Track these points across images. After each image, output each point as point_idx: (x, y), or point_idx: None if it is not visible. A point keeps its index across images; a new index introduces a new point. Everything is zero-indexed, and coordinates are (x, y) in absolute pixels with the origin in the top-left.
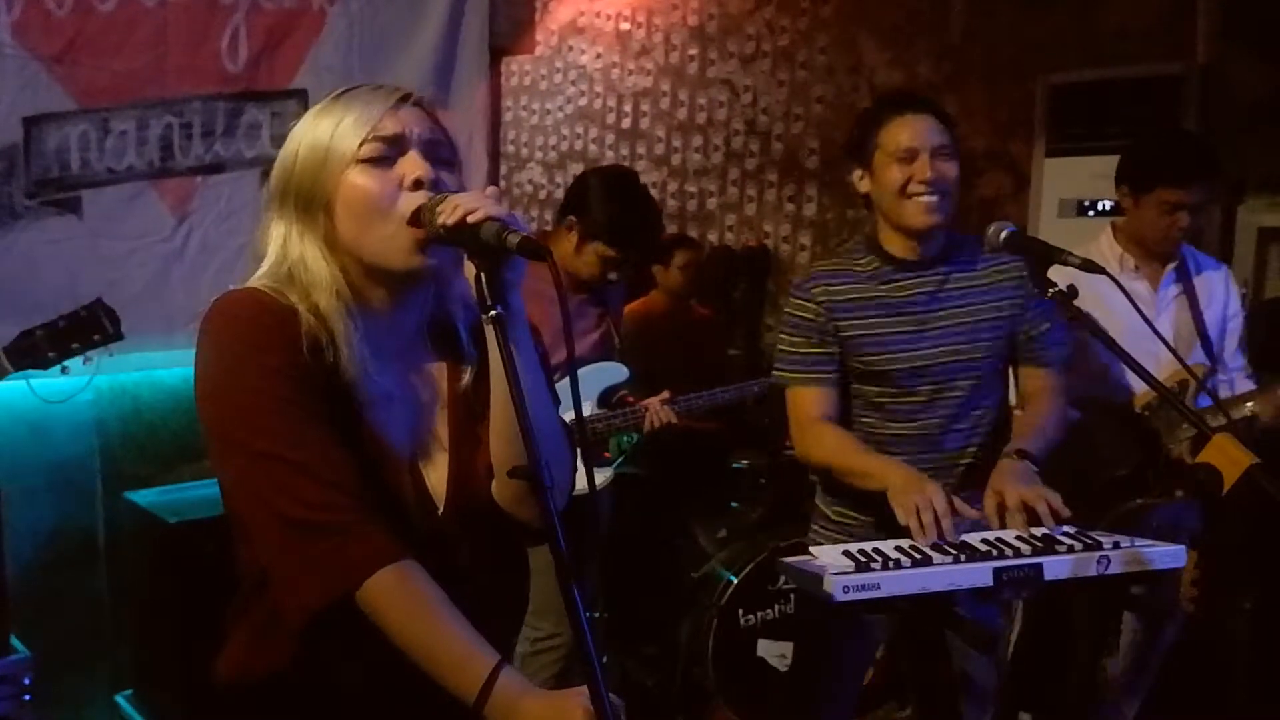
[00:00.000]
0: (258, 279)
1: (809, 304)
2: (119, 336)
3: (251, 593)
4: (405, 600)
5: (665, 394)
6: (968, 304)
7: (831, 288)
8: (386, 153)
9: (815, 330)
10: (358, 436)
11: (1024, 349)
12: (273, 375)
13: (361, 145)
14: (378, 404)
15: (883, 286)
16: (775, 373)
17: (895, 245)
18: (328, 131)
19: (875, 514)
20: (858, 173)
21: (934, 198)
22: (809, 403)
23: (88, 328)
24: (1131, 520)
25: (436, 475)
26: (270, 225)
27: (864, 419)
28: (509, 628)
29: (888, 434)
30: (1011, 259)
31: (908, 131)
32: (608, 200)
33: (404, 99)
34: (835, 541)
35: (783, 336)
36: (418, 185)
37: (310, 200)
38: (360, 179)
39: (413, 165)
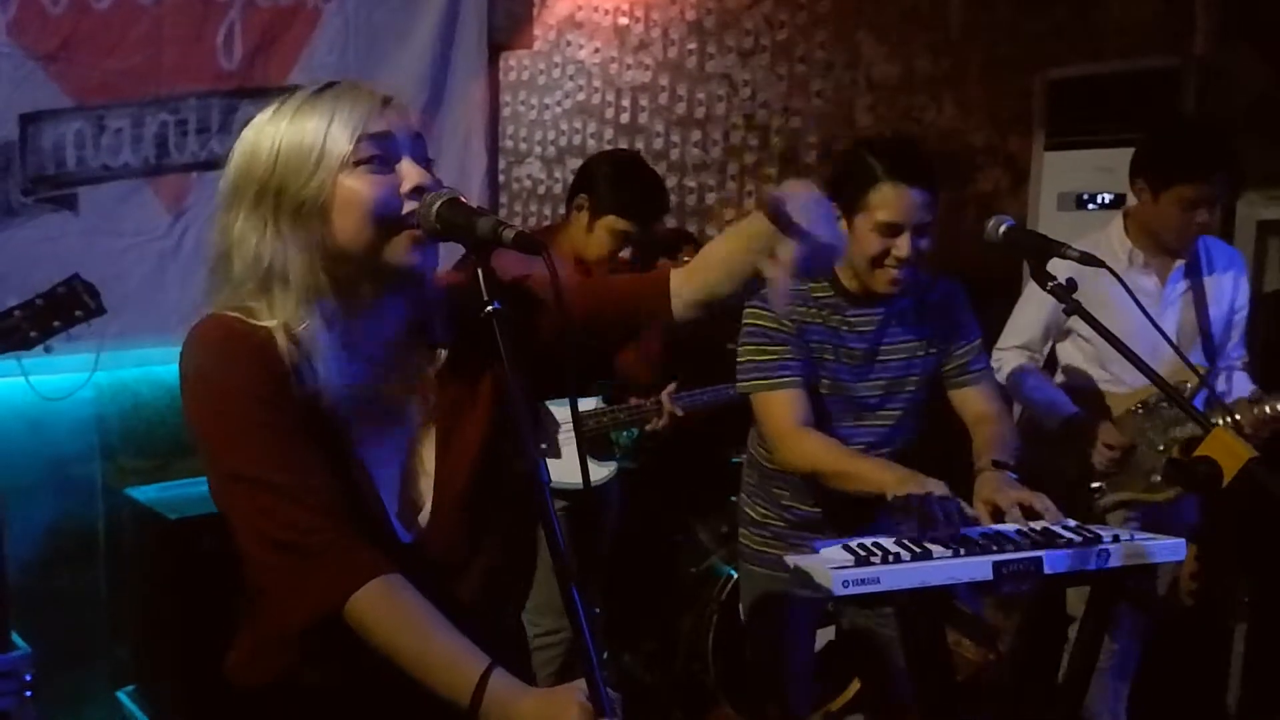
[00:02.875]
0: (229, 300)
1: (773, 314)
2: (100, 311)
3: (255, 596)
4: (390, 614)
5: (671, 386)
6: (905, 340)
7: (796, 307)
8: (379, 154)
9: (781, 338)
10: (340, 452)
11: (954, 375)
12: (251, 402)
13: (355, 146)
14: (359, 416)
15: (835, 318)
16: (740, 385)
17: (853, 283)
18: (316, 133)
19: (813, 511)
20: (835, 211)
21: (903, 272)
22: (783, 408)
23: (68, 304)
24: (1104, 518)
25: (424, 476)
26: (235, 225)
27: None
28: (509, 610)
29: None
30: (944, 290)
31: (898, 206)
32: (616, 174)
33: (387, 100)
34: (764, 548)
35: (744, 348)
36: (417, 193)
37: (302, 203)
38: (359, 184)
39: (412, 172)
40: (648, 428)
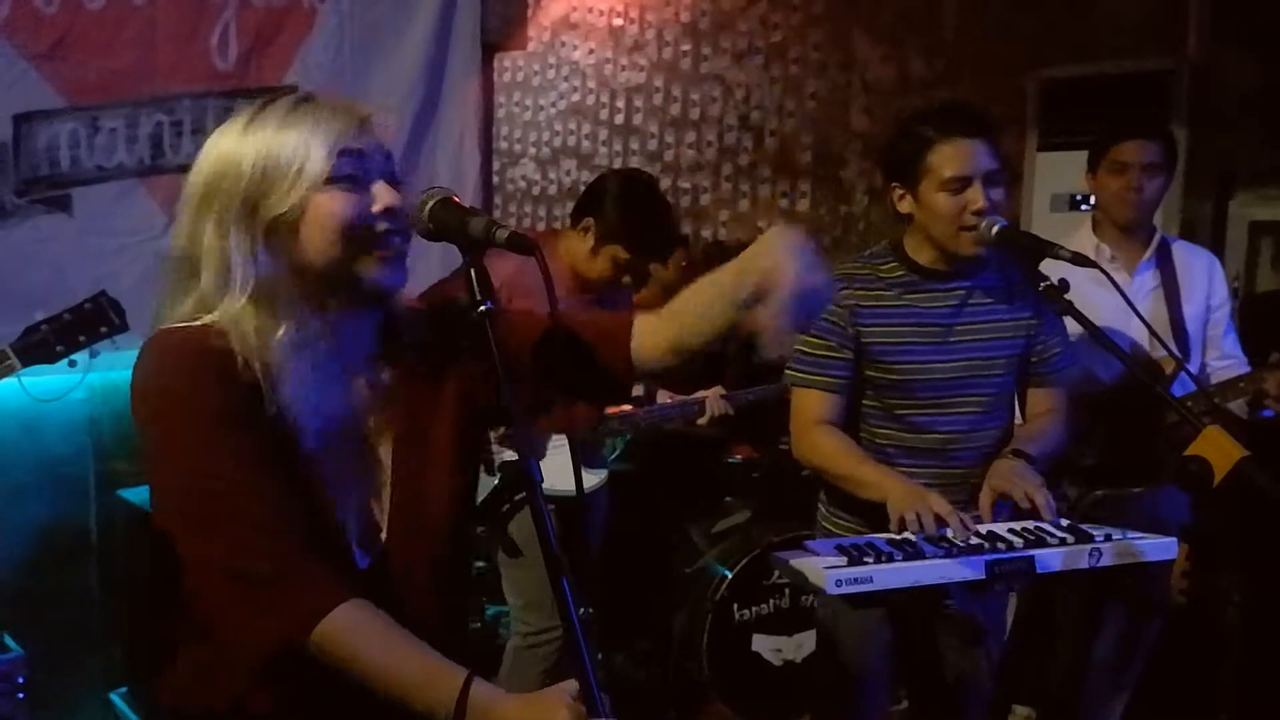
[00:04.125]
0: (197, 304)
1: (833, 306)
2: (124, 328)
3: (197, 621)
4: (361, 638)
5: (719, 389)
6: (990, 319)
7: (857, 292)
8: (354, 172)
9: (834, 333)
10: (302, 474)
11: (1035, 369)
12: (211, 423)
13: (330, 165)
14: (322, 438)
15: (908, 296)
16: (788, 372)
17: (925, 257)
18: (292, 149)
19: (877, 527)
20: (898, 192)
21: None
22: (813, 405)
23: (93, 320)
24: (1101, 511)
25: (382, 497)
26: (204, 233)
27: (878, 429)
28: (458, 629)
29: (900, 445)
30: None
31: (960, 158)
32: (627, 204)
33: (365, 118)
34: None
35: (800, 336)
36: (389, 213)
37: (273, 218)
38: (331, 202)
39: (384, 194)
40: (704, 421)
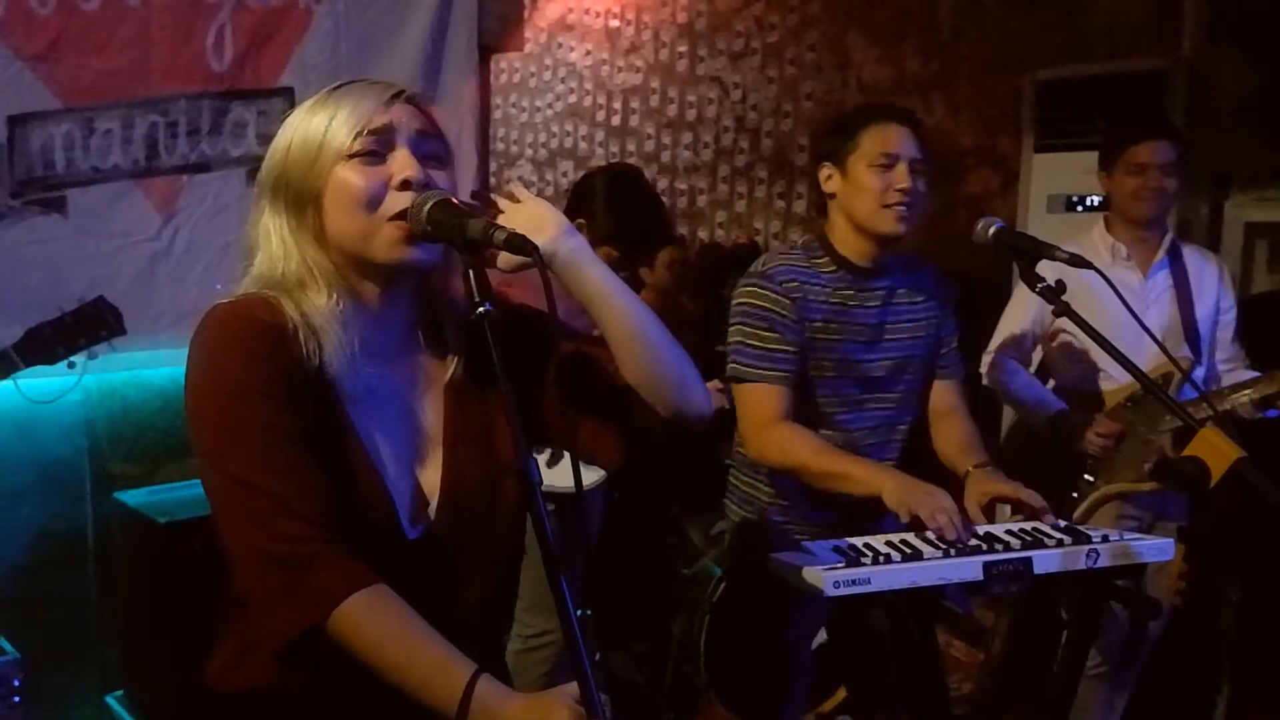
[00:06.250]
0: (252, 282)
1: (780, 296)
2: (122, 331)
3: (239, 604)
4: (375, 625)
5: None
6: (910, 319)
7: (804, 285)
8: (377, 148)
9: (782, 324)
10: (349, 447)
11: (938, 362)
12: (256, 399)
13: (353, 140)
14: (367, 404)
15: (841, 293)
16: (731, 366)
17: (851, 250)
18: (321, 126)
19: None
20: (826, 172)
21: (906, 209)
22: (768, 400)
23: (93, 323)
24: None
25: (430, 472)
26: (261, 219)
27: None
28: (500, 624)
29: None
30: (940, 280)
31: (890, 139)
32: (615, 203)
33: (397, 95)
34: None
35: (742, 328)
36: (406, 186)
37: (301, 194)
38: (350, 175)
39: (403, 165)
40: None
